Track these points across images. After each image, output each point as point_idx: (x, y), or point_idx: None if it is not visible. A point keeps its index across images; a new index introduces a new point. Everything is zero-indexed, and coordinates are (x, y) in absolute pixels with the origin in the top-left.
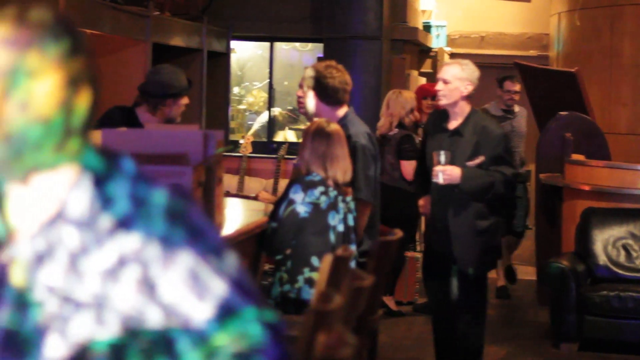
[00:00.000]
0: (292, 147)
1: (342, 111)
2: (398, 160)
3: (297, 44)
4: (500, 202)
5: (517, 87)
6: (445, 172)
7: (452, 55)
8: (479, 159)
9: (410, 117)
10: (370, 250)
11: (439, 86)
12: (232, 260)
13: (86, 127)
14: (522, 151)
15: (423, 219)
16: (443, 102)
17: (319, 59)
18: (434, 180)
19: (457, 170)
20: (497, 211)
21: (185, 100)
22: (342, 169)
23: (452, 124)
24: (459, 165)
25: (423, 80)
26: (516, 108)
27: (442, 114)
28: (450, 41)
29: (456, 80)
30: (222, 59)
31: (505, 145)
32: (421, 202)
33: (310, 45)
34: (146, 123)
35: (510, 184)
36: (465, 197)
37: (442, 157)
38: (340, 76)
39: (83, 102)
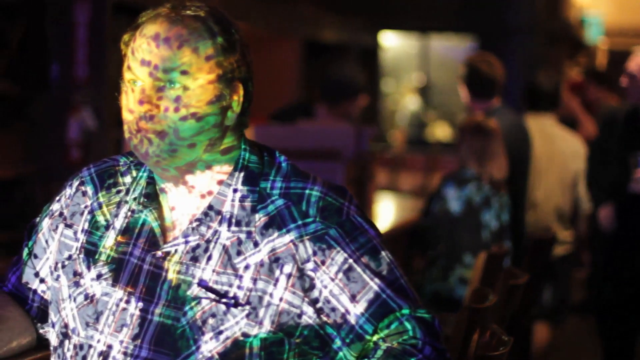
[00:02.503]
0: (445, 143)
1: (493, 104)
2: None
3: (450, 40)
4: None
5: None
6: None
7: (610, 52)
8: None
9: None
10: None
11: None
12: (386, 257)
13: (240, 124)
14: None
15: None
16: None
17: None
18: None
19: None
20: None
21: (363, 100)
22: (497, 166)
23: None
24: None
25: (576, 75)
26: None
27: (635, 112)
28: (606, 35)
29: None
30: (372, 53)
31: None
32: (605, 213)
33: (464, 41)
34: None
35: None
36: None
37: None
38: (490, 69)
39: (237, 99)
